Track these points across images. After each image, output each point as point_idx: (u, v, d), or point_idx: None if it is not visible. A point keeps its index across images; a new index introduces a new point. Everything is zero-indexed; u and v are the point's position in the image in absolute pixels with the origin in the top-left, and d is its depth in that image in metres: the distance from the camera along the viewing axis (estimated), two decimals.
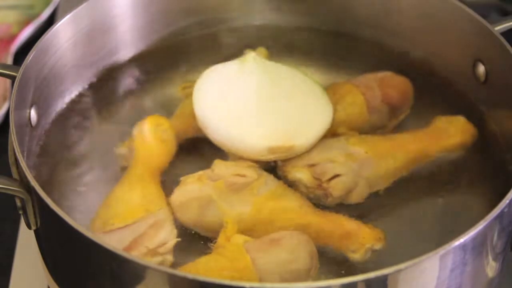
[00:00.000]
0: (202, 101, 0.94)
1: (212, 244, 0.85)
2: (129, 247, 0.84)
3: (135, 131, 0.94)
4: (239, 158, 0.91)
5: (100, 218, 0.87)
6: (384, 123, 0.98)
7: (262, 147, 0.90)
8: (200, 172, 0.89)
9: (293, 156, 0.91)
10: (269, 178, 0.89)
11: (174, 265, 0.85)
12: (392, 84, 0.99)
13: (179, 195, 0.88)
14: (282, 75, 0.97)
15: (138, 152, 0.92)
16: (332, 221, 0.86)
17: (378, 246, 0.85)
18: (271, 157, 0.91)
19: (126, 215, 0.86)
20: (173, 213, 0.88)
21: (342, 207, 0.90)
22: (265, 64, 0.97)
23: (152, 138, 0.93)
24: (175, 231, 0.86)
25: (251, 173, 0.88)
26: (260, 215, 0.86)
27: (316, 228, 0.86)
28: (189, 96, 1.00)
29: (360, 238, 0.85)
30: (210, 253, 0.84)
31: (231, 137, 0.91)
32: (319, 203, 0.90)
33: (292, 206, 0.87)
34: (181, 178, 0.89)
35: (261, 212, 0.86)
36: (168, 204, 0.88)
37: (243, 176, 0.88)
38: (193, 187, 0.88)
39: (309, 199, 0.89)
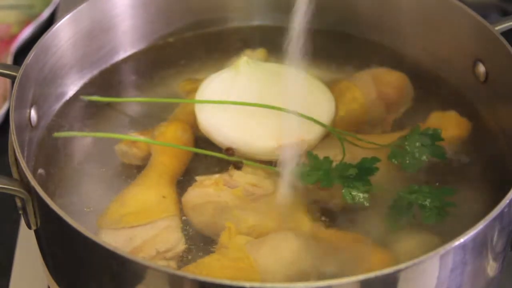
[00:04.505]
0: (206, 112, 0.94)
1: (213, 246, 0.85)
2: (139, 248, 0.84)
3: (157, 133, 0.94)
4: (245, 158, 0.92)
5: (112, 214, 0.87)
6: (382, 118, 0.98)
7: (272, 146, 0.91)
8: (217, 176, 0.89)
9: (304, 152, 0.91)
10: (286, 190, 0.89)
11: (178, 265, 0.85)
12: (387, 79, 0.99)
13: (193, 196, 0.88)
14: (279, 74, 0.97)
15: (158, 154, 0.92)
16: (343, 239, 0.86)
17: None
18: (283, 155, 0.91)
19: (141, 215, 0.86)
20: (183, 212, 0.88)
21: (344, 208, 0.90)
22: (260, 65, 0.97)
23: (175, 143, 0.93)
24: (183, 239, 0.86)
25: (269, 185, 0.88)
26: (274, 227, 0.86)
27: (326, 245, 0.85)
28: (189, 93, 1.00)
29: (368, 262, 0.84)
30: (212, 253, 0.84)
31: (240, 142, 0.91)
32: (325, 206, 0.90)
33: (305, 222, 0.87)
34: (197, 178, 0.89)
35: (275, 224, 0.86)
36: (180, 202, 0.88)
37: (261, 187, 0.88)
38: (209, 190, 0.87)
39: (311, 203, 0.89)
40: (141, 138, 0.94)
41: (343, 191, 0.87)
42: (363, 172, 0.88)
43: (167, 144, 0.92)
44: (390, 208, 0.87)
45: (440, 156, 0.91)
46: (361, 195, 0.87)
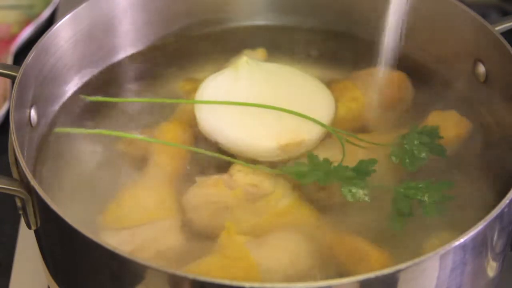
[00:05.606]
0: (205, 112, 0.94)
1: (213, 246, 0.85)
2: (139, 248, 0.84)
3: (157, 133, 0.94)
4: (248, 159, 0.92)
5: (111, 214, 0.87)
6: (383, 118, 0.98)
7: (272, 147, 0.91)
8: (217, 176, 0.89)
9: (304, 152, 0.91)
10: (287, 191, 0.89)
11: (177, 265, 0.85)
12: (387, 79, 1.00)
13: (194, 196, 0.88)
14: (279, 74, 0.98)
15: (158, 154, 0.92)
16: (342, 240, 0.86)
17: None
18: (283, 155, 0.91)
19: (141, 215, 0.86)
20: (184, 212, 0.88)
21: (344, 208, 0.90)
22: (260, 66, 0.97)
23: (175, 143, 0.93)
24: (183, 239, 0.86)
25: (269, 185, 0.88)
26: (274, 227, 0.86)
27: (327, 245, 0.86)
28: (189, 93, 1.00)
29: (368, 262, 0.84)
30: (212, 253, 0.84)
31: (240, 142, 0.92)
32: (324, 205, 0.90)
33: (306, 222, 0.87)
34: (197, 178, 0.89)
35: (275, 224, 0.86)
36: (180, 203, 0.89)
37: (261, 187, 0.88)
38: (209, 190, 0.88)
39: (313, 202, 0.89)
40: (141, 136, 0.94)
41: (342, 189, 0.87)
42: (360, 174, 0.88)
43: (167, 143, 0.92)
44: (391, 205, 0.87)
45: (440, 154, 0.91)
46: (361, 191, 0.87)
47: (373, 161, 0.88)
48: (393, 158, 0.91)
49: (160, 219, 0.87)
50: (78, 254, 0.80)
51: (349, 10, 1.09)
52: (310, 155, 0.89)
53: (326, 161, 0.88)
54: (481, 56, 0.98)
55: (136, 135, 0.94)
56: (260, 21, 1.12)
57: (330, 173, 0.88)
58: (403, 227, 0.86)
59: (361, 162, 0.88)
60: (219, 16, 1.11)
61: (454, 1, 1.00)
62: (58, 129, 0.96)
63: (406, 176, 0.92)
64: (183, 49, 1.09)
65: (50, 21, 1.34)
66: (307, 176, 0.88)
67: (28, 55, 0.93)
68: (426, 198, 0.87)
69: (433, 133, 0.92)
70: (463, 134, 0.96)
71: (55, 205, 0.79)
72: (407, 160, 0.91)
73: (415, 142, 0.91)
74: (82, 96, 1.00)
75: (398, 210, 0.87)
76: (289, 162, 0.91)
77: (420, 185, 0.88)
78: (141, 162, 0.94)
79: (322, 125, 0.93)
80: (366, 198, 0.87)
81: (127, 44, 1.07)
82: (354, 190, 0.87)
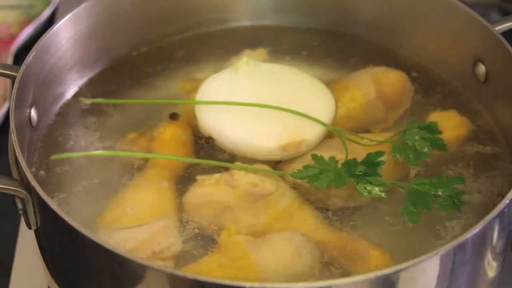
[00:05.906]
0: (206, 112, 0.94)
1: (214, 246, 0.85)
2: (136, 248, 0.84)
3: (156, 133, 0.94)
4: (249, 159, 0.92)
5: (110, 214, 0.87)
6: (382, 118, 0.98)
7: (273, 146, 0.91)
8: (218, 175, 0.89)
9: (303, 153, 0.92)
10: (287, 190, 0.89)
11: (177, 265, 0.85)
12: (387, 79, 1.00)
13: (194, 195, 0.88)
14: (279, 74, 0.98)
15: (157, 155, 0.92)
16: (342, 240, 0.86)
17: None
18: (283, 155, 0.91)
19: (139, 215, 0.86)
20: (184, 212, 0.88)
21: (344, 208, 0.90)
22: (260, 66, 0.97)
23: (174, 144, 0.93)
24: (180, 239, 0.86)
25: (270, 185, 0.88)
26: (274, 227, 0.86)
27: (327, 245, 0.86)
28: (189, 93, 1.00)
29: (368, 262, 0.84)
30: (213, 253, 0.84)
31: (241, 142, 0.92)
32: (323, 206, 0.89)
33: (306, 222, 0.87)
34: (198, 178, 0.89)
35: (275, 224, 0.86)
36: (180, 203, 0.89)
37: (261, 187, 0.88)
38: (210, 190, 0.88)
39: (312, 202, 0.89)
40: (139, 153, 0.94)
41: (358, 187, 0.87)
42: (371, 167, 0.88)
43: (166, 156, 0.92)
44: (406, 201, 0.86)
45: (441, 148, 0.91)
46: (376, 188, 0.87)
47: (380, 153, 0.88)
48: (397, 155, 0.90)
49: (159, 219, 0.86)
50: (78, 254, 0.80)
51: (349, 10, 1.09)
52: (315, 156, 0.89)
53: (333, 158, 0.88)
54: (481, 56, 0.98)
55: (133, 153, 0.94)
56: (260, 21, 1.12)
57: (341, 172, 0.87)
58: (419, 220, 0.86)
59: (370, 155, 0.88)
60: (219, 16, 1.11)
61: (454, 1, 1.00)
62: (55, 156, 0.93)
63: (406, 175, 0.92)
64: (183, 49, 1.09)
65: (50, 21, 1.34)
66: (320, 179, 0.87)
67: (28, 55, 0.93)
68: (440, 193, 0.87)
69: (433, 128, 0.92)
70: (464, 134, 0.96)
71: (55, 205, 0.79)
72: (411, 156, 0.90)
73: (416, 138, 0.91)
74: (82, 99, 1.00)
75: (413, 204, 0.86)
76: (290, 164, 0.91)
77: (434, 181, 0.87)
78: (141, 162, 0.94)
79: (323, 124, 0.93)
80: (383, 194, 0.87)
81: (127, 44, 1.07)
82: (369, 187, 0.87)
